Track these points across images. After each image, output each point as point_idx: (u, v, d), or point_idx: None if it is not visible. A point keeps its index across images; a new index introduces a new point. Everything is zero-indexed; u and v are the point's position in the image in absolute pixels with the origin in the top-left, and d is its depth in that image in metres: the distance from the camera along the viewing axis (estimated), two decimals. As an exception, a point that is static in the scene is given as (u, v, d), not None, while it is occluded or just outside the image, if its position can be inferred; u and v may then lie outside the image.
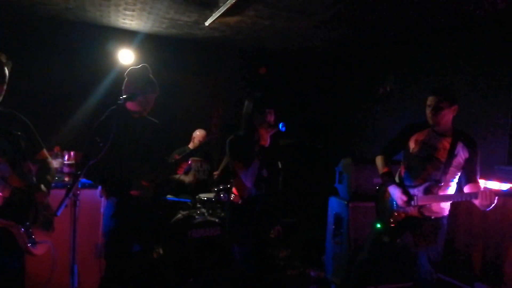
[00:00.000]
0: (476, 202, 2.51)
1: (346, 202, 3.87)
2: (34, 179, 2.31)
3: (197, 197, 4.19)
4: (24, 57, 4.09)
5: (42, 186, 2.27)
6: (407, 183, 2.87)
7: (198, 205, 4.11)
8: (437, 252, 2.80)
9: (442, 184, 2.74)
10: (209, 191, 4.36)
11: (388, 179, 2.91)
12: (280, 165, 3.89)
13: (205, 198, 4.13)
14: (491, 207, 2.46)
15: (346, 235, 3.83)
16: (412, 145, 2.88)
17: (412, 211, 2.78)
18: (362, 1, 3.63)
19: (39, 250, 2.22)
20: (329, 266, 4.11)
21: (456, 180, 2.82)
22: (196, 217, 3.87)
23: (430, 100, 2.75)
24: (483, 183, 3.00)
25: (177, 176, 4.04)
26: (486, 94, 3.87)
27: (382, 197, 3.01)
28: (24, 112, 2.36)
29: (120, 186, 2.60)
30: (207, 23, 4.41)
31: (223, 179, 4.59)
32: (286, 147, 3.55)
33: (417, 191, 2.77)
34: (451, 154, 2.73)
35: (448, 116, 2.75)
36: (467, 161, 2.75)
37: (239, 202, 2.95)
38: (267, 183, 3.04)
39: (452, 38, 4.27)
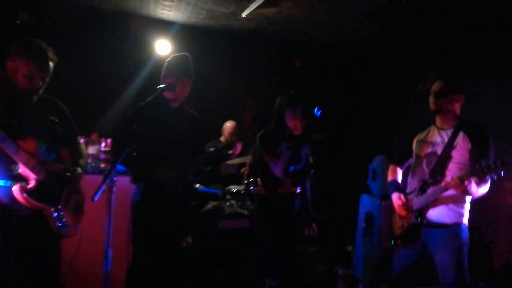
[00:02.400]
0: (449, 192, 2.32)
1: (379, 201, 3.79)
2: (68, 164, 2.40)
3: (227, 188, 4.21)
4: (65, 47, 4.18)
5: (76, 170, 2.37)
6: (408, 189, 2.66)
7: (228, 197, 4.13)
8: (457, 268, 2.38)
9: (432, 180, 2.47)
10: (239, 184, 4.37)
11: (391, 188, 2.73)
12: (311, 160, 3.87)
13: (235, 190, 4.15)
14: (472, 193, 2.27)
15: (377, 235, 3.75)
16: (414, 146, 2.71)
17: (412, 218, 2.53)
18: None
19: (69, 233, 2.32)
20: (358, 264, 4.05)
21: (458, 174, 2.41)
22: (226, 208, 3.90)
23: (436, 85, 2.56)
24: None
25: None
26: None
27: (390, 211, 2.76)
28: (65, 100, 2.45)
29: (147, 172, 2.63)
30: (244, 14, 4.39)
31: (251, 173, 4.60)
32: (318, 142, 3.51)
33: (413, 195, 2.57)
34: (448, 146, 2.47)
35: (453, 105, 2.53)
36: (472, 152, 2.41)
37: (264, 194, 2.95)
38: (301, 179, 3.04)
39: (497, 39, 4.03)
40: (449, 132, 2.54)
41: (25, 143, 2.12)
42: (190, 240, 3.78)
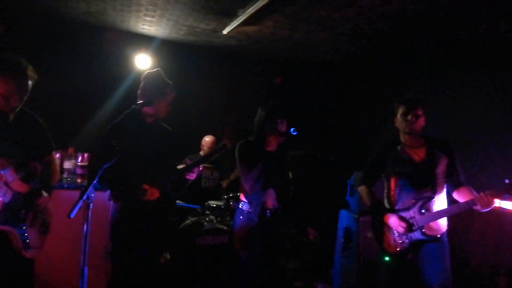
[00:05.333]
0: (477, 207, 2.42)
1: (356, 216, 3.84)
2: (39, 180, 2.34)
3: (206, 204, 4.18)
4: (43, 59, 4.15)
5: (43, 192, 2.30)
6: (398, 206, 2.71)
7: (207, 212, 4.11)
8: (447, 274, 2.59)
9: (435, 198, 2.62)
10: (219, 199, 4.35)
11: (379, 209, 2.76)
12: (290, 176, 3.89)
13: (214, 205, 4.13)
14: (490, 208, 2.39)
15: (356, 249, 3.79)
16: (390, 165, 2.74)
17: (416, 235, 2.62)
18: (382, 15, 3.63)
19: (31, 253, 2.25)
20: (337, 279, 4.06)
21: (444, 190, 2.68)
22: (205, 224, 3.87)
23: (407, 108, 2.63)
24: (497, 202, 2.77)
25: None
26: (504, 107, 3.81)
27: (380, 228, 2.77)
28: (41, 113, 2.41)
29: (127, 190, 2.59)
30: (225, 32, 4.45)
31: (232, 188, 4.59)
32: (297, 157, 3.54)
33: (412, 213, 2.63)
34: (432, 164, 2.62)
35: (422, 124, 2.65)
36: (448, 166, 2.64)
37: (245, 209, 2.95)
38: (279, 195, 3.04)
39: (469, 52, 4.22)
40: (423, 150, 2.67)
41: None
42: (168, 256, 3.72)
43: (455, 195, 2.66)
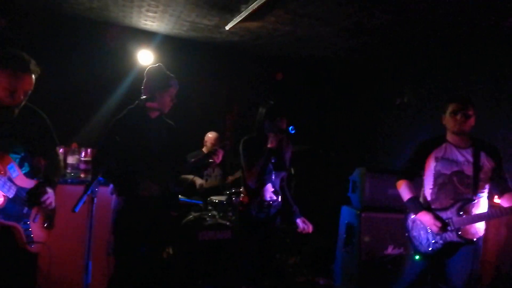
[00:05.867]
0: None
1: (358, 212, 3.85)
2: (43, 175, 2.35)
3: (208, 199, 4.20)
4: (46, 55, 4.16)
5: (47, 187, 2.29)
6: (435, 206, 2.65)
7: (210, 208, 4.12)
8: (475, 277, 2.57)
9: (475, 201, 2.56)
10: (221, 194, 4.37)
11: (415, 206, 2.66)
12: (292, 171, 3.90)
13: (217, 201, 4.14)
14: None
15: (357, 245, 3.80)
16: (432, 163, 2.68)
17: (451, 236, 2.54)
18: (383, 10, 3.62)
19: (35, 248, 2.26)
20: (339, 275, 4.08)
21: (486, 194, 2.63)
22: (207, 219, 3.88)
23: (457, 106, 2.59)
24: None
25: (190, 177, 4.06)
26: (506, 106, 3.81)
27: (413, 225, 2.73)
28: (44, 108, 2.41)
29: (130, 185, 2.61)
30: (227, 27, 4.45)
31: (236, 183, 4.61)
32: (299, 154, 3.55)
33: (450, 214, 2.56)
34: (477, 167, 2.57)
35: (471, 124, 2.61)
36: (494, 170, 2.59)
37: (246, 203, 2.99)
38: (281, 192, 3.07)
39: (471, 51, 4.21)
40: (469, 152, 2.62)
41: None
42: (170, 251, 3.74)
43: (501, 201, 2.59)
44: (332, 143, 6.11)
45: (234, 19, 4.17)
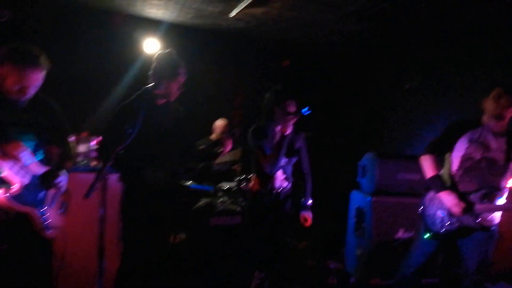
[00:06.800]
0: None
1: (369, 197, 3.84)
2: (56, 163, 2.37)
3: (218, 185, 4.22)
4: (53, 44, 4.17)
5: (62, 172, 2.32)
6: (459, 188, 2.58)
7: (220, 194, 4.15)
8: (487, 264, 2.55)
9: (501, 190, 2.52)
10: (231, 180, 4.39)
11: (439, 183, 2.59)
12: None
13: (227, 187, 4.17)
14: None
15: (368, 229, 3.81)
16: (464, 144, 2.59)
17: (469, 220, 2.51)
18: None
19: (51, 233, 2.30)
20: (350, 259, 4.10)
21: (509, 185, 2.58)
22: (218, 205, 3.91)
23: (503, 91, 2.50)
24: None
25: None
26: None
27: (430, 203, 2.69)
28: (55, 98, 2.41)
29: (136, 172, 2.60)
30: (232, 14, 4.41)
31: (244, 169, 4.62)
32: (307, 139, 3.55)
33: (473, 198, 2.51)
34: (510, 156, 2.51)
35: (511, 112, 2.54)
36: None
37: (255, 190, 3.01)
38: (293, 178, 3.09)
39: (479, 37, 4.13)
40: (504, 140, 2.56)
41: (9, 147, 2.08)
42: (183, 236, 3.78)
43: None
44: (340, 129, 6.09)
45: (239, 5, 4.14)
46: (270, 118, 2.99)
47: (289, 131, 2.95)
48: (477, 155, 2.56)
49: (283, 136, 2.94)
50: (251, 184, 3.12)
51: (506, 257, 3.58)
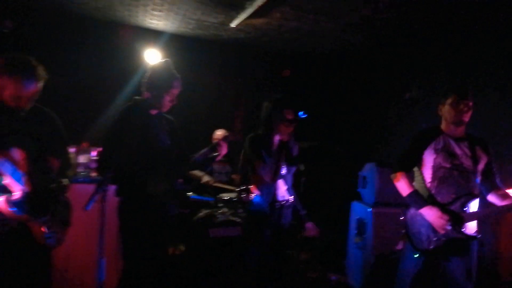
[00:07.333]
0: None
1: (370, 207, 3.82)
2: (56, 174, 2.35)
3: (218, 196, 4.21)
4: (54, 54, 4.20)
5: (63, 182, 2.31)
6: (438, 199, 2.50)
7: (220, 204, 4.13)
8: (473, 272, 2.49)
9: (477, 196, 2.48)
10: (231, 191, 4.37)
11: (419, 200, 2.49)
12: (302, 168, 3.89)
13: (227, 198, 4.15)
14: None
15: (370, 241, 3.78)
16: (431, 155, 2.54)
17: (454, 232, 2.42)
18: (390, 5, 3.59)
19: (55, 244, 2.29)
20: (351, 270, 4.07)
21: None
22: (218, 216, 3.89)
23: (459, 97, 2.48)
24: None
25: (199, 174, 4.05)
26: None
27: (412, 221, 2.56)
28: (55, 109, 2.42)
29: (134, 183, 2.55)
30: (233, 25, 4.44)
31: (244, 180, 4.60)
32: (307, 150, 3.55)
33: (454, 208, 2.44)
34: (475, 161, 2.49)
35: (469, 116, 2.51)
36: (486, 165, 2.53)
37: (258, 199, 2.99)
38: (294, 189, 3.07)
39: (480, 46, 4.15)
40: (466, 145, 2.54)
41: (11, 155, 2.08)
42: (183, 248, 3.75)
43: (491, 197, 2.54)
44: (340, 139, 6.08)
45: (240, 16, 4.17)
46: (268, 127, 2.99)
47: (284, 138, 2.95)
48: (447, 164, 2.50)
49: (282, 144, 2.94)
50: (251, 194, 3.10)
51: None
